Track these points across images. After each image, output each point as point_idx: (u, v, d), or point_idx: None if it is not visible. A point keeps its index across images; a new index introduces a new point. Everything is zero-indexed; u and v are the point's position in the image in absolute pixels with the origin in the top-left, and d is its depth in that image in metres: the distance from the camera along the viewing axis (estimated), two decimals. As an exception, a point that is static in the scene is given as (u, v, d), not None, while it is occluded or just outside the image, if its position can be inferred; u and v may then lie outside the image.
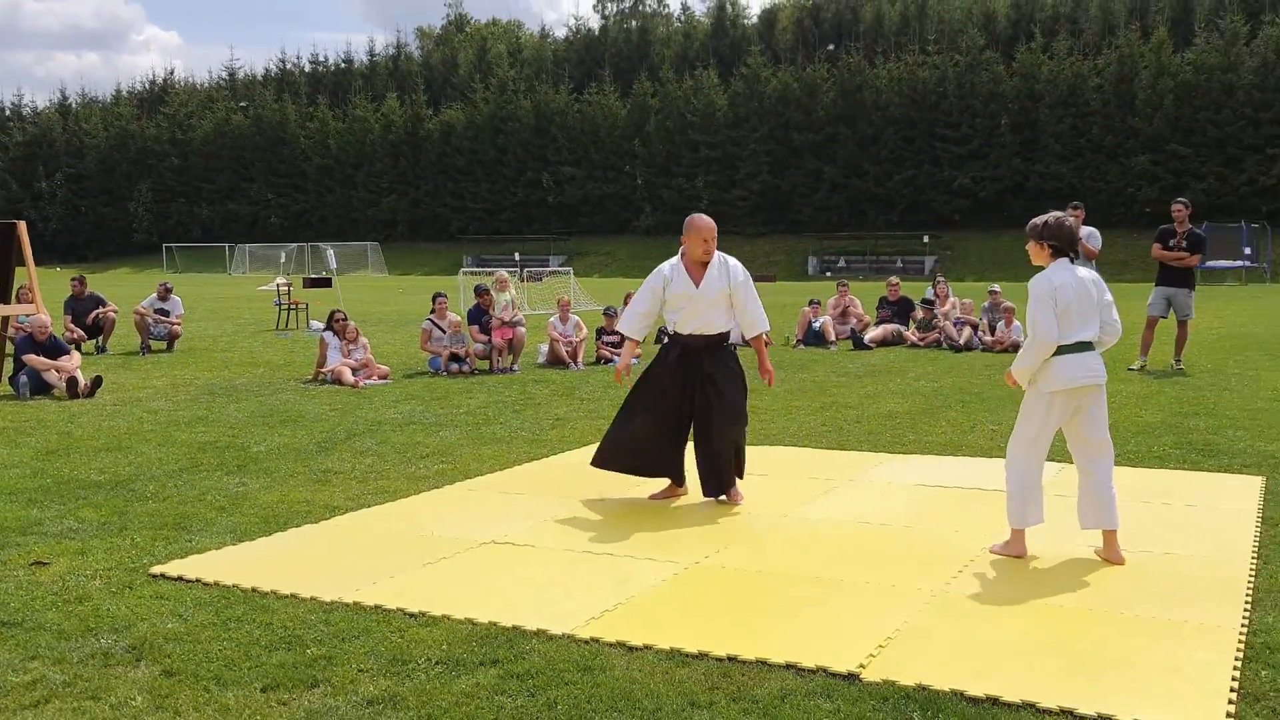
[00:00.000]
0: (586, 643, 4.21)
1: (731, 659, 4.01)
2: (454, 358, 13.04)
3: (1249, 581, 4.79)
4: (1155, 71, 55.88)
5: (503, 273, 14.84)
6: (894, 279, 17.52)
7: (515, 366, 13.34)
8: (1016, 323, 14.88)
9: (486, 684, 3.82)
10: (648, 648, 4.13)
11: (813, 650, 4.04)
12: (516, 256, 46.12)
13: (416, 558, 5.35)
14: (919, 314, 16.03)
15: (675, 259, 6.59)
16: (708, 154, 64.89)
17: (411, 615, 4.54)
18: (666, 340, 6.78)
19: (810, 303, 16.38)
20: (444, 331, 13.20)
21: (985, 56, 61.11)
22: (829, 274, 56.81)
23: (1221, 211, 51.11)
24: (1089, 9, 65.52)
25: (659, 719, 3.52)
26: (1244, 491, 6.50)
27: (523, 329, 13.54)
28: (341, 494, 6.83)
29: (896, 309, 16.31)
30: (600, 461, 6.69)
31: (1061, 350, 5.09)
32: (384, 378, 12.40)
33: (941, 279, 17.49)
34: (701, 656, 4.04)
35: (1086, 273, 5.27)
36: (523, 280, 29.51)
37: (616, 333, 14.06)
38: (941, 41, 63.74)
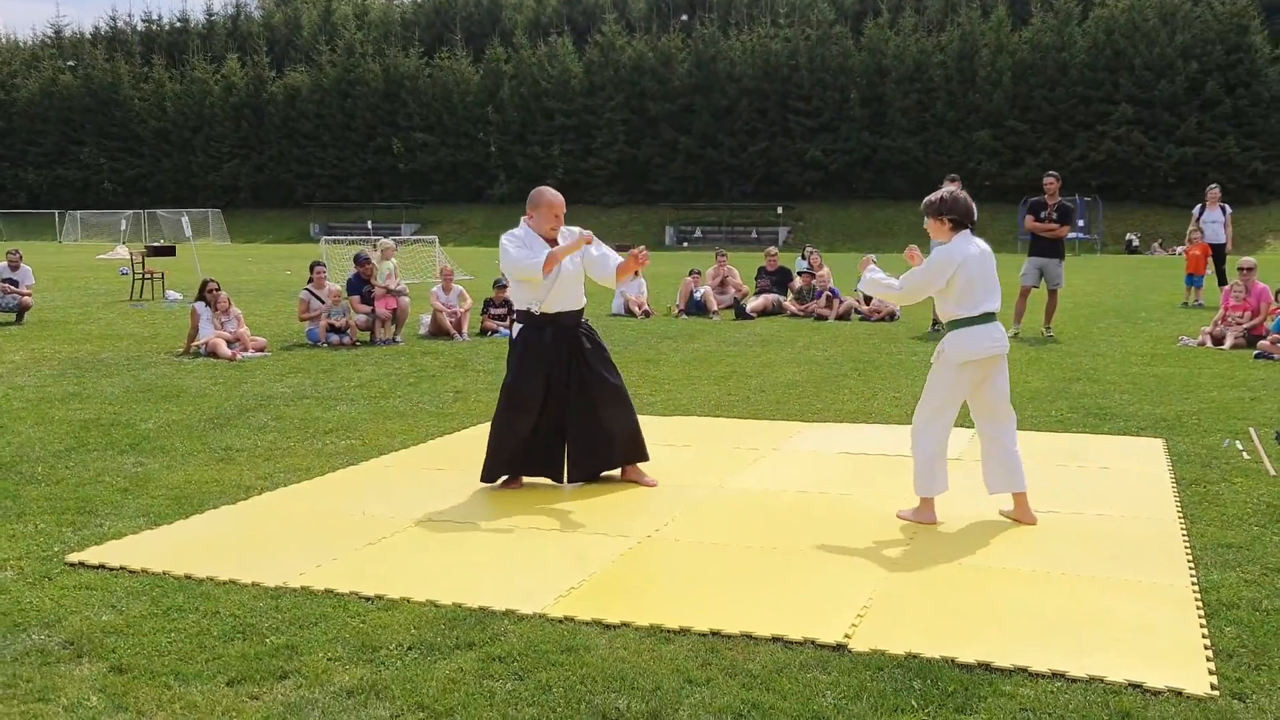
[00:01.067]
0: (560, 621, 4.09)
1: (715, 633, 3.95)
2: (333, 329, 12.60)
3: (1184, 540, 4.98)
4: (995, 49, 57.93)
5: (388, 240, 14.39)
6: (772, 249, 17.70)
7: (398, 338, 12.98)
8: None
9: (469, 668, 3.67)
10: (626, 625, 4.04)
11: (795, 622, 4.02)
12: (369, 225, 44.92)
13: (354, 538, 5.12)
14: (797, 283, 16.25)
15: (523, 230, 6.05)
16: (563, 122, 64.41)
17: (367, 599, 4.35)
18: (522, 327, 6.12)
19: (691, 273, 16.43)
20: (323, 302, 12.74)
21: (835, 31, 62.28)
22: (686, 244, 57.25)
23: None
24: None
25: (659, 698, 3.43)
26: (1149, 453, 6.78)
27: (407, 299, 13.18)
28: (251, 472, 6.50)
29: (775, 279, 16.50)
30: (490, 477, 6.14)
31: (970, 321, 5.18)
32: (261, 350, 11.90)
33: (812, 249, 17.73)
34: (684, 632, 3.97)
35: (984, 244, 5.35)
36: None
37: (505, 304, 13.87)
38: (793, 15, 64.70)
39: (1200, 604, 4.17)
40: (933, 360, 5.39)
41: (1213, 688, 3.45)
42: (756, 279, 16.72)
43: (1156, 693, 3.43)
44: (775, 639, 3.89)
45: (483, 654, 3.80)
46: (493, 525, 5.38)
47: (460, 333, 13.29)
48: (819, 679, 3.56)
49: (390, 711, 3.35)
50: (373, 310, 12.84)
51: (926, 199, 5.34)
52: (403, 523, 5.39)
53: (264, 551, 4.92)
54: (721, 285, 16.63)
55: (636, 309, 15.70)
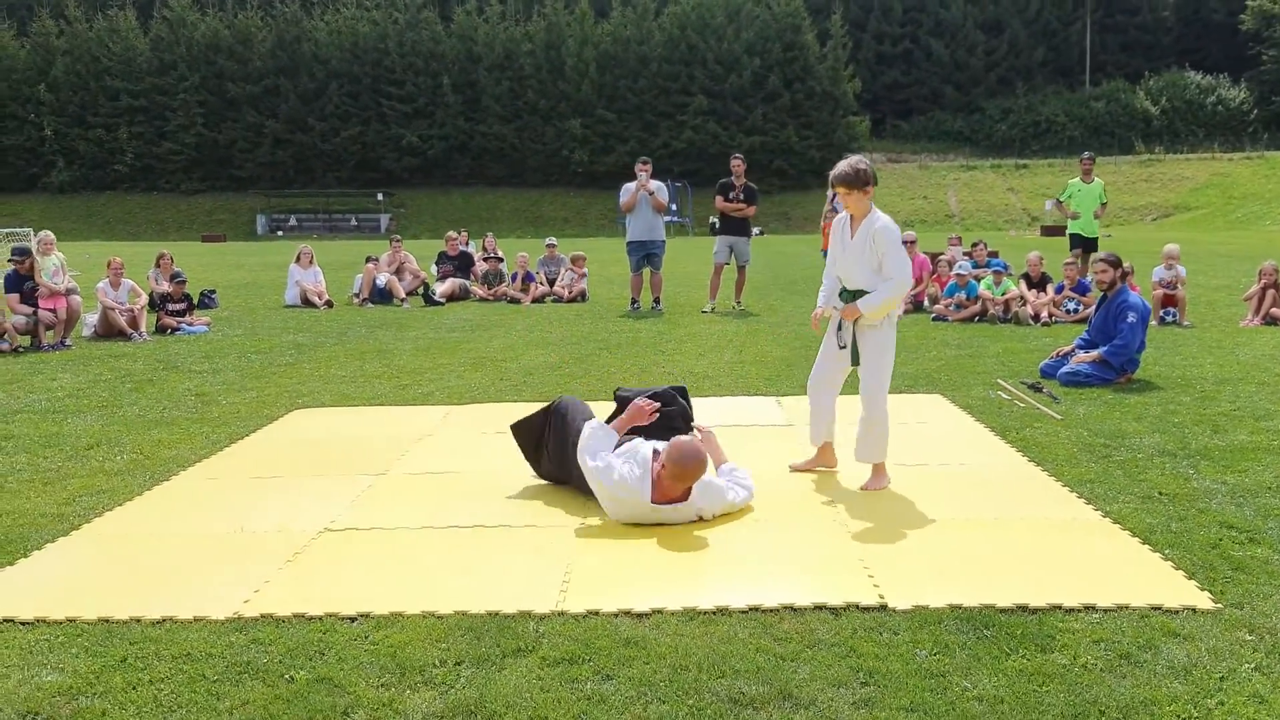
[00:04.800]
0: (586, 616, 3.86)
1: (755, 609, 3.89)
2: (-17, 334, 10.88)
3: (1055, 481, 5.51)
4: (580, 40, 60.18)
5: (48, 233, 12.57)
6: (452, 234, 17.27)
7: (68, 341, 11.43)
8: (585, 270, 15.51)
9: (548, 675, 3.37)
10: (658, 611, 3.88)
11: (820, 588, 4.05)
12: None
13: (265, 558, 4.51)
14: (482, 268, 16.07)
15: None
16: (130, 103, 59.30)
17: (351, 619, 3.86)
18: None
19: (368, 260, 15.76)
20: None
21: (424, 16, 61.88)
22: (280, 233, 54.69)
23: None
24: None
25: (767, 676, 3.34)
26: (942, 408, 7.41)
27: (78, 298, 11.61)
28: (45, 500, 5.51)
29: (458, 263, 16.20)
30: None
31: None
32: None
33: (490, 235, 17.61)
34: (723, 612, 3.88)
35: None
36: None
37: (185, 299, 12.66)
38: (378, -3, 63.51)
39: (1131, 533, 4.66)
40: (867, 328, 5.42)
41: (1212, 601, 3.90)
42: (438, 264, 16.34)
43: (1175, 612, 3.81)
44: (818, 607, 3.89)
45: (542, 658, 3.51)
46: (402, 527, 4.93)
47: (138, 331, 11.92)
48: (897, 639, 3.62)
49: (518, 736, 3.03)
50: (34, 311, 11.22)
51: (848, 171, 5.27)
52: (301, 535, 4.80)
53: (175, 584, 4.21)
54: (398, 272, 16.09)
55: (317, 299, 14.84)
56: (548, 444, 5.53)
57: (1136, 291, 8.53)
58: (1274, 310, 11.22)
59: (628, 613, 3.88)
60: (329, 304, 14.86)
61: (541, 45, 60.74)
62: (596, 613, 3.88)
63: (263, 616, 3.88)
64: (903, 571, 4.24)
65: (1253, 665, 3.35)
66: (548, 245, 16.46)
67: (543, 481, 5.68)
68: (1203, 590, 3.99)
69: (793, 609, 3.90)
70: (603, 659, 3.50)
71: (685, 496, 4.83)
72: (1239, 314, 12.01)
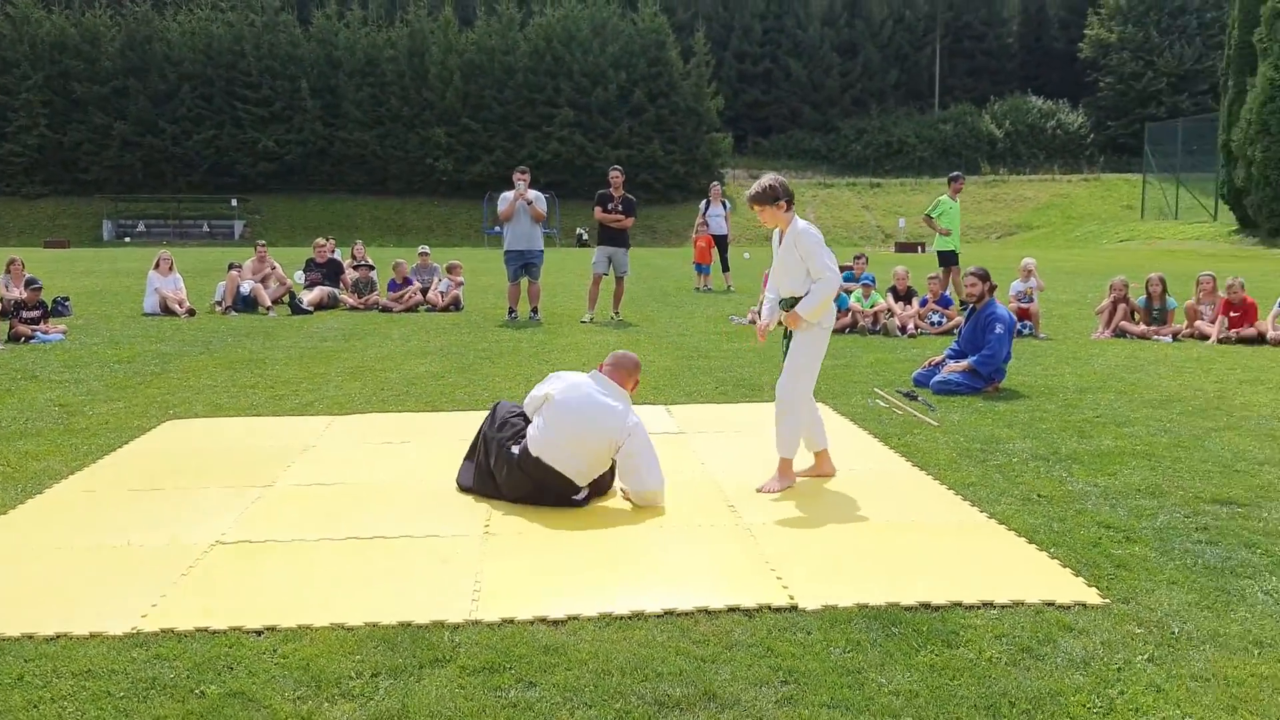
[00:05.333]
0: (501, 625, 3.83)
1: (670, 613, 3.93)
2: None
3: (937, 484, 5.72)
4: (444, 48, 59.48)
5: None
6: (320, 240, 16.81)
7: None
8: (461, 279, 15.37)
9: (470, 684, 3.34)
10: (574, 618, 3.88)
11: (732, 591, 4.11)
12: None
13: (157, 571, 4.34)
14: (351, 276, 15.76)
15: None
16: (-34, 102, 56.16)
17: (256, 632, 3.76)
18: None
19: (231, 266, 15.28)
20: None
21: (282, 19, 60.38)
22: (128, 239, 52.59)
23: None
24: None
25: (690, 678, 3.38)
26: (828, 416, 7.55)
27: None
28: (-96, 515, 5.21)
29: (326, 271, 15.84)
30: None
31: None
32: None
33: (358, 242, 17.28)
34: (639, 617, 3.90)
35: None
36: None
37: (39, 306, 12.10)
38: (235, -1, 61.71)
39: (1016, 533, 4.87)
40: (798, 331, 5.62)
41: (1100, 596, 4.10)
42: (305, 271, 15.95)
43: (1067, 607, 4.00)
44: (731, 609, 3.95)
45: (462, 667, 3.47)
46: (295, 539, 4.81)
47: (-15, 340, 11.32)
48: (812, 638, 3.70)
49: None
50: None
51: (761, 189, 5.54)
52: (191, 549, 4.64)
53: (66, 599, 4.02)
54: (264, 279, 15.65)
55: (178, 307, 14.33)
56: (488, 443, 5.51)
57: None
58: (1123, 323, 11.84)
59: (544, 620, 3.88)
60: (190, 312, 14.36)
61: (404, 52, 59.82)
62: (512, 620, 3.87)
63: (163, 631, 3.74)
64: (808, 572, 4.35)
65: (1146, 657, 3.54)
66: (420, 253, 16.24)
67: (439, 492, 5.62)
68: (1090, 586, 4.19)
69: (707, 612, 3.96)
70: (523, 666, 3.49)
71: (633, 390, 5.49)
72: (1089, 327, 12.63)
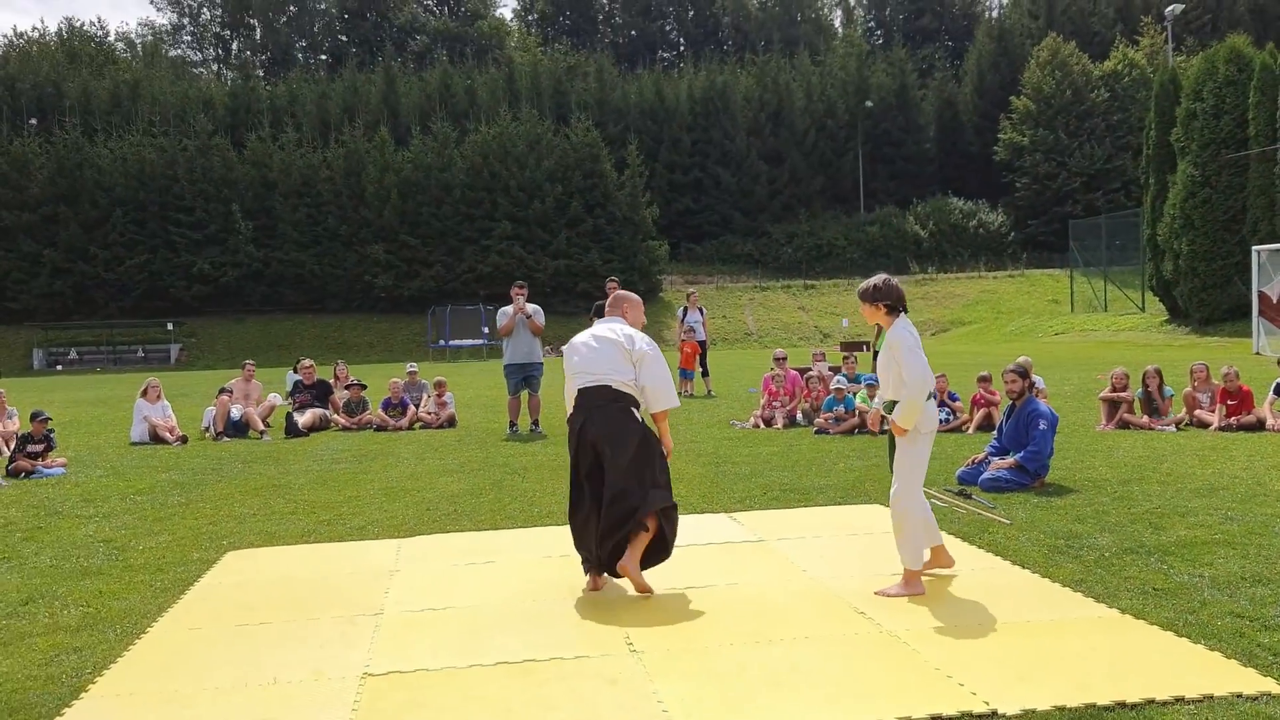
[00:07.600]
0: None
1: (877, 726, 3.91)
2: None
3: (1051, 582, 5.77)
4: (381, 167, 59.94)
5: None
6: (307, 361, 16.57)
7: (-90, 488, 10.38)
8: (449, 394, 15.28)
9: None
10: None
11: (924, 700, 4.10)
12: None
13: (323, 708, 4.21)
14: (342, 397, 15.60)
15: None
16: (-112, 232, 55.08)
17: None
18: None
19: (221, 391, 15.04)
20: None
21: (215, 142, 60.46)
22: (60, 367, 51.48)
23: (450, 296, 56.35)
24: (305, 105, 68.29)
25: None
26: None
27: (-77, 439, 10.59)
28: (23, 661, 4.98)
29: (315, 392, 15.64)
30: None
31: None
32: None
33: (340, 362, 17.14)
34: (846, 730, 3.88)
35: None
36: None
37: (45, 439, 11.77)
38: (166, 124, 61.69)
39: (1161, 628, 4.92)
40: (905, 440, 5.69)
41: (1278, 685, 4.17)
42: (294, 394, 15.72)
43: (1255, 698, 4.05)
44: (934, 718, 3.94)
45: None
46: (445, 667, 4.68)
47: (-12, 475, 10.96)
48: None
49: None
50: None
51: (861, 289, 5.75)
52: (341, 683, 4.50)
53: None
54: (254, 400, 15.40)
55: (169, 435, 14.03)
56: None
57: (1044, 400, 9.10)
58: (1126, 415, 12.15)
59: (752, 739, 3.82)
60: (183, 439, 14.05)
61: (340, 171, 60.12)
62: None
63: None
64: (986, 676, 4.34)
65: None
66: (409, 371, 16.15)
67: (555, 610, 5.55)
68: (1266, 676, 4.25)
69: (910, 722, 3.93)
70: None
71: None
72: (1084, 420, 12.92)
